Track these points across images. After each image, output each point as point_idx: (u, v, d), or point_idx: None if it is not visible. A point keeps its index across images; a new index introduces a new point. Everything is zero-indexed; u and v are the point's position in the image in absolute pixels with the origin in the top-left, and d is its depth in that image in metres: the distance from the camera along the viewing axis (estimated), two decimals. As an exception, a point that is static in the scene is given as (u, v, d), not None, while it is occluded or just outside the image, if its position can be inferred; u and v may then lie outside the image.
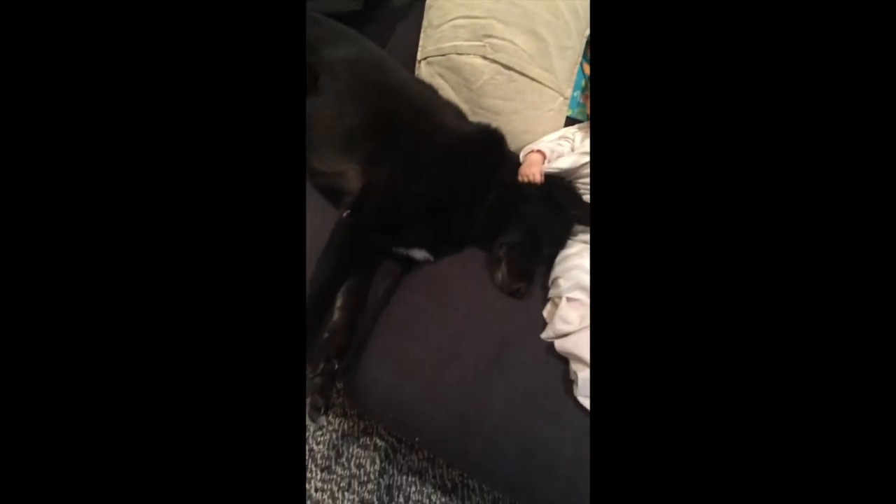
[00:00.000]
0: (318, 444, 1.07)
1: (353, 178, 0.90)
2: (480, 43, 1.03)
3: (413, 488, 1.03)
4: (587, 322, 0.77)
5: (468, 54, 1.05)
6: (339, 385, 0.85)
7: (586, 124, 1.08)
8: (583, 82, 1.10)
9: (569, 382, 0.77)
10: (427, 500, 1.02)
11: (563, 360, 0.79)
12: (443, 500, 1.02)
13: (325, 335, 0.80)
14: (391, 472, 1.05)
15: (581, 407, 0.74)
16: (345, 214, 0.85)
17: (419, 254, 0.91)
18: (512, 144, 1.03)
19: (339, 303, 0.83)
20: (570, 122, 1.12)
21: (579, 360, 0.74)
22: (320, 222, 0.87)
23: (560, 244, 0.91)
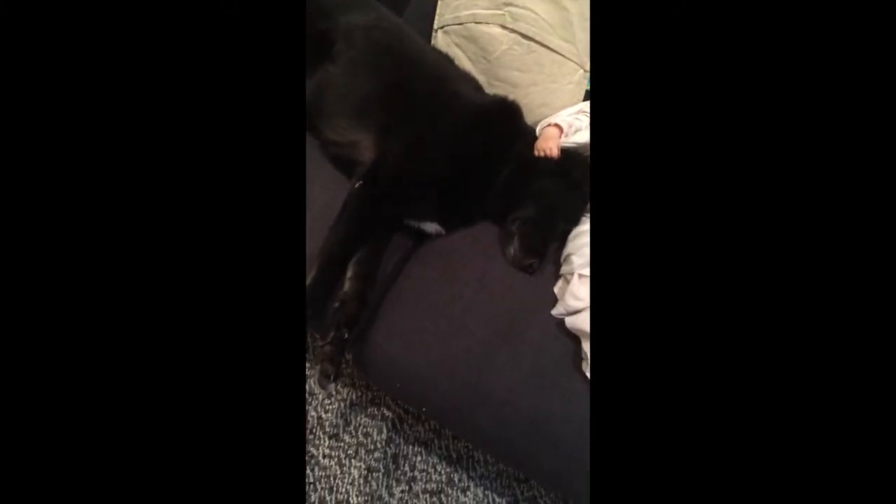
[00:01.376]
0: (326, 412, 1.09)
1: (366, 149, 0.89)
2: (500, 11, 1.00)
3: (419, 458, 1.05)
4: (599, 299, 0.76)
5: (486, 23, 1.02)
6: (349, 355, 0.86)
7: (606, 99, 1.05)
8: (604, 55, 1.06)
9: (578, 358, 0.77)
10: (432, 470, 1.04)
11: (573, 337, 0.78)
12: (448, 470, 1.04)
13: (336, 304, 0.80)
14: (398, 442, 1.06)
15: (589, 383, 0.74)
16: (357, 185, 0.85)
17: (431, 227, 0.90)
18: (529, 118, 1.01)
19: (350, 273, 0.83)
20: (589, 96, 1.09)
21: (589, 337, 0.74)
22: (333, 193, 0.86)
23: (574, 221, 0.89)
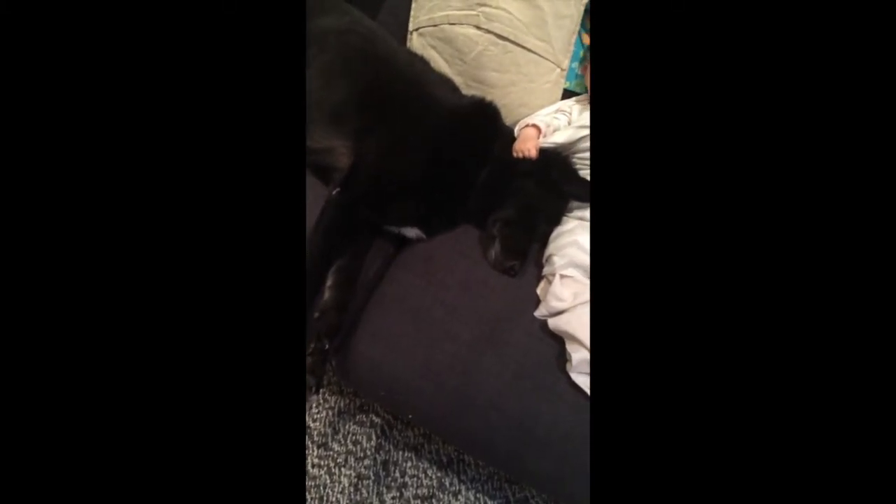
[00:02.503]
0: (314, 421, 1.07)
1: (342, 155, 0.88)
2: (474, 12, 0.99)
3: (409, 464, 1.04)
4: (580, 299, 0.76)
5: (461, 24, 1.01)
6: (333, 363, 0.85)
7: (584, 97, 1.05)
8: (581, 53, 1.06)
9: (563, 360, 0.77)
10: (423, 475, 1.03)
11: (558, 338, 0.78)
12: (438, 474, 1.03)
13: (316, 314, 0.79)
14: (387, 448, 1.06)
15: (575, 384, 0.74)
16: (334, 192, 0.84)
17: (411, 231, 0.90)
18: (507, 118, 1.00)
19: (329, 282, 0.82)
20: (567, 94, 1.08)
21: (572, 338, 0.74)
22: (310, 200, 0.85)
23: (555, 221, 0.89)
